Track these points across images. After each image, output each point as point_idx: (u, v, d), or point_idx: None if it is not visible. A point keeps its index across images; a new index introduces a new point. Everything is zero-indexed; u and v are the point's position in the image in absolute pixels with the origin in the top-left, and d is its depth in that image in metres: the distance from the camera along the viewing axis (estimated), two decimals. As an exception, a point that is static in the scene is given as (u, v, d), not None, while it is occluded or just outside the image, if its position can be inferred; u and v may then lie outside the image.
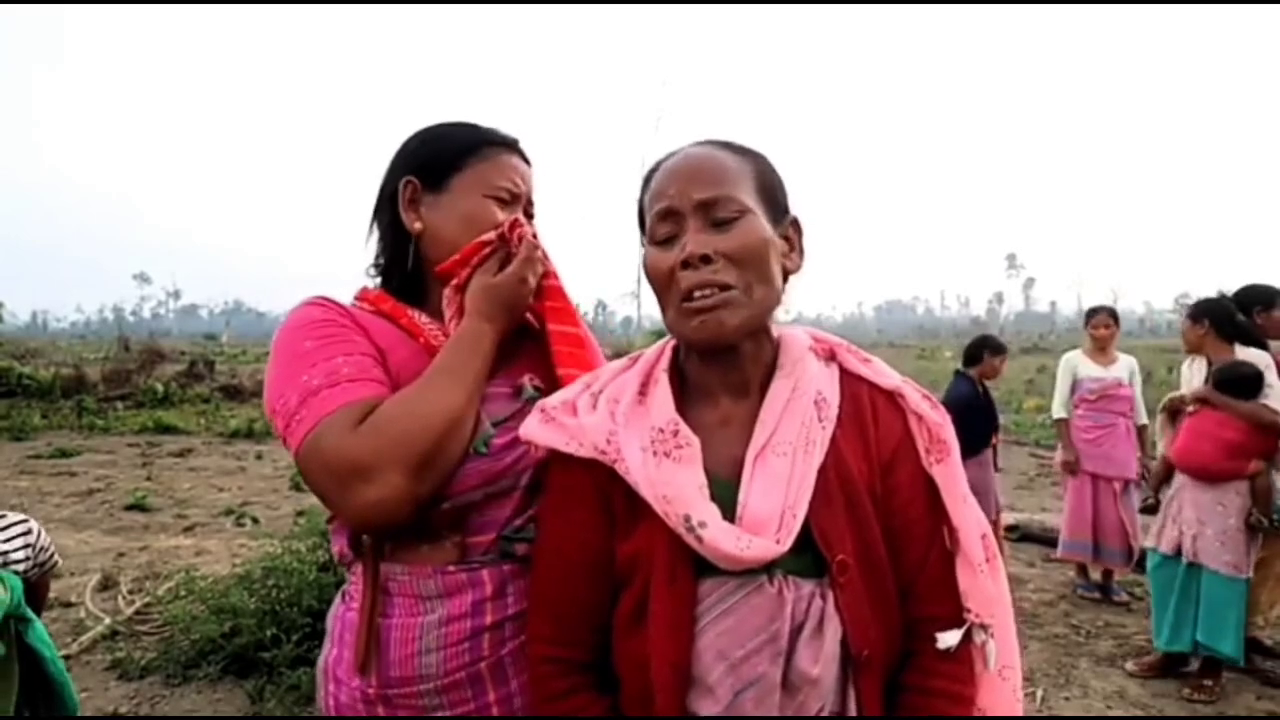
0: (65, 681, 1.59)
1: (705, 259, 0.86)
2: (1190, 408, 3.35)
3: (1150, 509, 3.51)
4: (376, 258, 1.16)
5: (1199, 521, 3.21)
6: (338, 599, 1.10)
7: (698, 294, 0.86)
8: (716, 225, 0.88)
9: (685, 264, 0.86)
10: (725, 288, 0.86)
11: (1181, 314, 3.78)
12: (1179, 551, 3.26)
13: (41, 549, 1.65)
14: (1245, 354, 3.39)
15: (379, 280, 1.17)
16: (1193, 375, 3.56)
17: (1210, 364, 3.48)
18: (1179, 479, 3.36)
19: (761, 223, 0.90)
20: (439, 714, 0.98)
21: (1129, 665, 3.43)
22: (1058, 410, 4.59)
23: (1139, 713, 3.14)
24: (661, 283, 0.89)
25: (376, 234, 1.16)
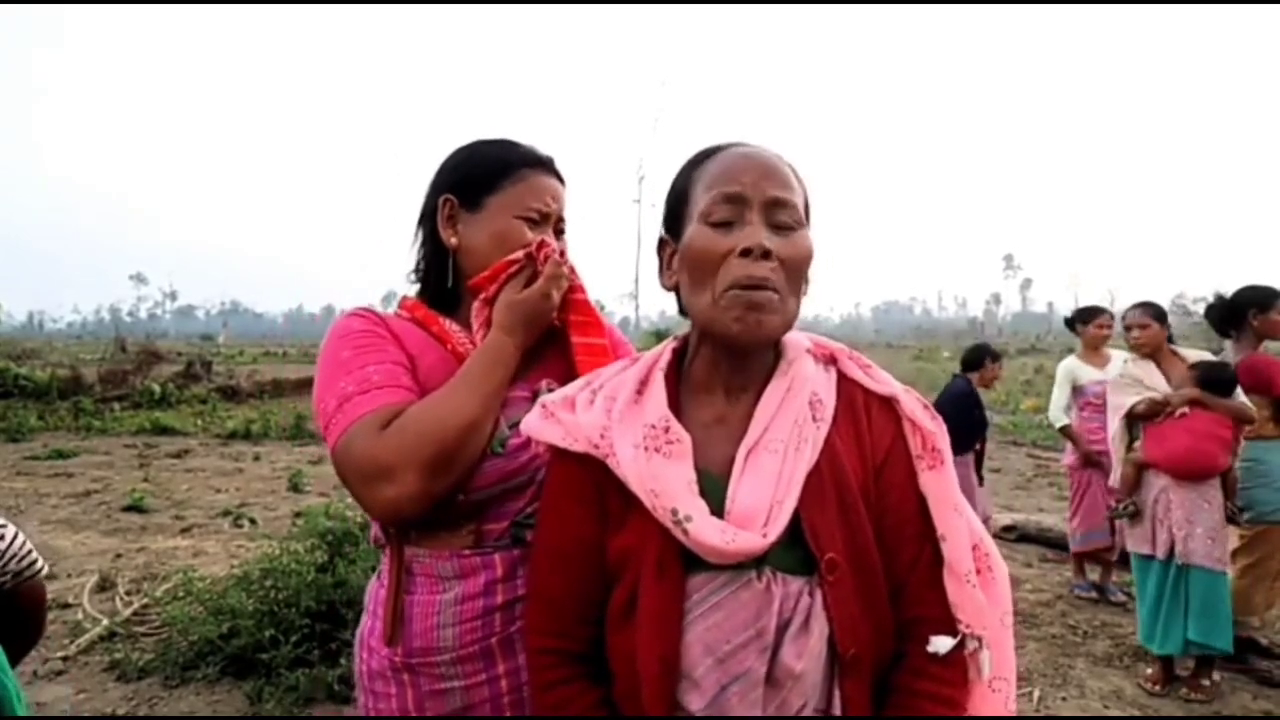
0: (12, 706, 1.49)
1: (766, 254, 0.86)
2: (1184, 409, 3.30)
3: (1129, 515, 3.42)
4: (416, 266, 1.25)
5: (1188, 521, 3.21)
6: (374, 577, 1.20)
7: (748, 285, 0.86)
8: (777, 228, 0.88)
9: (746, 252, 0.85)
10: (772, 289, 0.86)
11: (1137, 314, 3.61)
12: (1170, 555, 3.25)
13: (14, 556, 1.51)
14: (1198, 354, 3.47)
15: (418, 288, 1.25)
16: (1145, 375, 3.50)
17: (1159, 365, 3.51)
18: (1159, 481, 3.32)
19: (811, 239, 0.92)
20: (455, 683, 1.07)
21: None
22: (1060, 418, 4.51)
23: (1136, 712, 3.15)
24: (708, 264, 0.88)
25: (419, 243, 1.24)
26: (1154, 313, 3.60)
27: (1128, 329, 3.69)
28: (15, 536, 1.54)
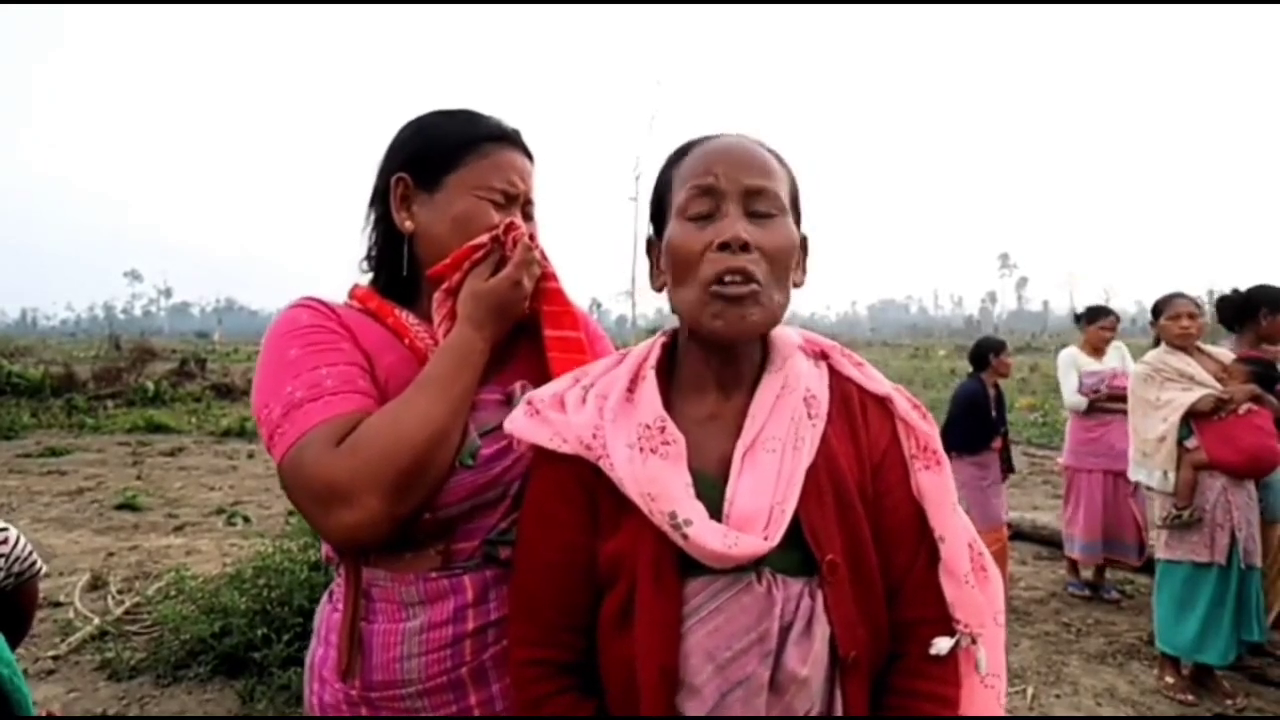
0: (23, 695, 1.52)
1: (745, 246, 0.83)
2: (1249, 406, 3.16)
3: (1194, 522, 3.18)
4: (368, 252, 1.12)
5: (1248, 522, 3.14)
6: (324, 598, 1.09)
7: (729, 279, 0.83)
8: (755, 217, 0.86)
9: (724, 246, 0.83)
10: (753, 281, 0.84)
11: (1189, 303, 3.34)
12: (1229, 560, 3.13)
13: (17, 559, 1.54)
14: (1219, 350, 3.40)
15: (370, 276, 1.13)
16: (1194, 370, 3.29)
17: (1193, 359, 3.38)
18: (1216, 482, 3.17)
19: (793, 227, 0.89)
20: (421, 715, 0.97)
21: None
22: (1080, 401, 4.35)
23: (1129, 711, 3.16)
24: (688, 260, 0.85)
25: (369, 228, 1.12)
26: (1192, 308, 3.43)
27: (1175, 317, 3.32)
28: (18, 540, 1.55)
